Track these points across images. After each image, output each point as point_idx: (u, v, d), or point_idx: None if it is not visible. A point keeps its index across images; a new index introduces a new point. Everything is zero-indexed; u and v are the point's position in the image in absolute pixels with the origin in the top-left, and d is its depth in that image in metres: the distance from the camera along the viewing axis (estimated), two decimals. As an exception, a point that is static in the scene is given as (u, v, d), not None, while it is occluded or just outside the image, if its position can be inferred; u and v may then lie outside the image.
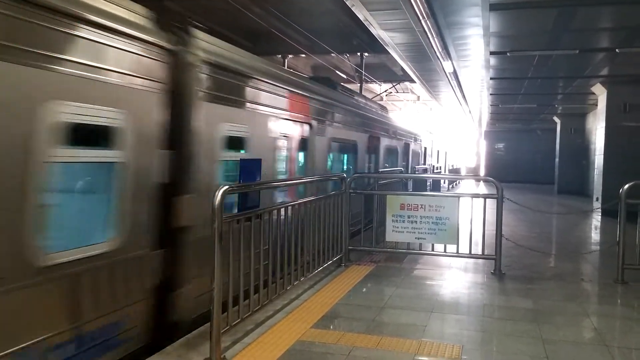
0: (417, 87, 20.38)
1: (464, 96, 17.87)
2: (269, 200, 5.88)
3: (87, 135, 3.62)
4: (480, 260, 6.96)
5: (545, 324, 4.57)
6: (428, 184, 14.10)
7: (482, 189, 22.34)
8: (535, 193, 22.03)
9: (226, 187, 3.62)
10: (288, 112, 6.67)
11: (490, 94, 17.42)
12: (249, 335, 4.07)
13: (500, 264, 6.46)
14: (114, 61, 3.70)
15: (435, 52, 10.50)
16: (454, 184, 24.64)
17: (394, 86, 21.82)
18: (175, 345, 3.93)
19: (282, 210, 5.09)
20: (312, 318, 4.53)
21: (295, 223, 5.34)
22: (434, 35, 9.22)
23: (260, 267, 4.49)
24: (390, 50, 11.05)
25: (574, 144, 23.14)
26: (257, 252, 4.31)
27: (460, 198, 6.68)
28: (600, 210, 13.41)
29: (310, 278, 5.64)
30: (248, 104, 5.63)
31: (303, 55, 15.90)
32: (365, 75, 17.52)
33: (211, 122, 4.87)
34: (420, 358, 3.76)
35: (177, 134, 4.43)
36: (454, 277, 6.33)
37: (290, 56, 16.49)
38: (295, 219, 5.34)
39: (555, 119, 24.42)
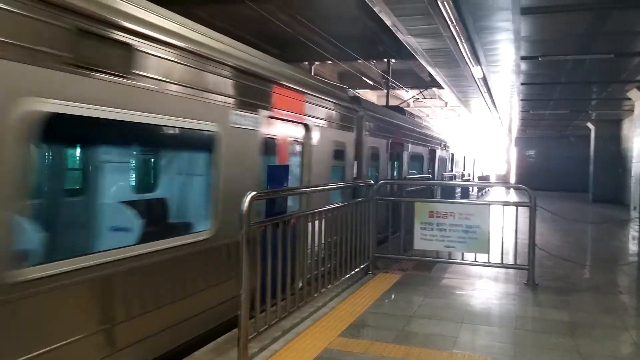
0: (445, 93, 20.22)
1: (493, 102, 17.60)
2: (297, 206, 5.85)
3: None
4: (511, 270, 6.78)
5: (582, 337, 4.40)
6: (457, 191, 13.85)
7: (512, 196, 21.92)
8: (569, 201, 21.48)
9: (254, 193, 3.62)
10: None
11: (521, 100, 17.11)
12: (276, 342, 4.03)
13: (534, 274, 6.28)
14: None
15: (464, 57, 10.38)
16: (483, 191, 24.25)
17: (421, 92, 21.66)
18: (204, 350, 3.92)
19: (310, 217, 5.05)
20: (339, 326, 4.48)
21: (323, 230, 5.29)
22: (463, 41, 9.11)
23: (288, 273, 4.46)
24: (417, 56, 10.96)
25: (609, 150, 22.49)
26: (284, 258, 4.29)
27: (491, 206, 6.53)
28: (638, 219, 12.96)
29: (337, 285, 5.58)
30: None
31: (330, 62, 15.95)
32: (392, 81, 17.45)
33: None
34: (450, 370, 3.66)
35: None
36: (485, 287, 6.17)
37: (317, 63, 16.57)
38: (323, 226, 5.29)
39: (589, 125, 23.83)
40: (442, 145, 16.39)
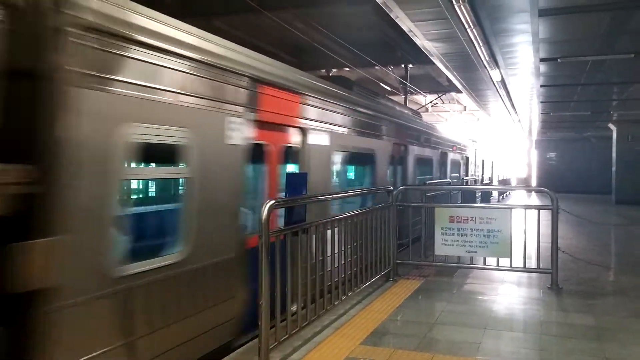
0: (464, 97, 20.06)
1: (512, 105, 17.42)
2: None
3: None
4: (534, 275, 6.67)
5: (609, 342, 4.31)
6: (477, 195, 13.66)
7: (534, 200, 21.61)
8: (591, 203, 21.08)
9: (273, 201, 3.64)
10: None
11: (541, 102, 16.91)
12: (297, 352, 4.03)
13: (557, 278, 6.18)
14: None
15: (482, 60, 10.30)
16: (504, 195, 23.92)
17: (439, 97, 21.53)
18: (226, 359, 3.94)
19: (328, 224, 5.04)
20: (360, 334, 4.46)
21: (342, 237, 5.28)
22: (481, 44, 9.04)
23: (307, 282, 4.46)
24: (435, 61, 10.93)
25: (633, 151, 22.08)
26: (303, 266, 4.29)
27: (512, 210, 6.45)
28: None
29: (358, 293, 5.56)
30: None
31: (347, 69, 15.97)
32: (410, 86, 17.40)
33: None
34: (474, 377, 3.61)
35: None
36: (508, 292, 6.09)
37: (334, 70, 16.62)
38: (341, 233, 5.29)
39: (611, 126, 23.42)
40: (422, 141, 11.44)
